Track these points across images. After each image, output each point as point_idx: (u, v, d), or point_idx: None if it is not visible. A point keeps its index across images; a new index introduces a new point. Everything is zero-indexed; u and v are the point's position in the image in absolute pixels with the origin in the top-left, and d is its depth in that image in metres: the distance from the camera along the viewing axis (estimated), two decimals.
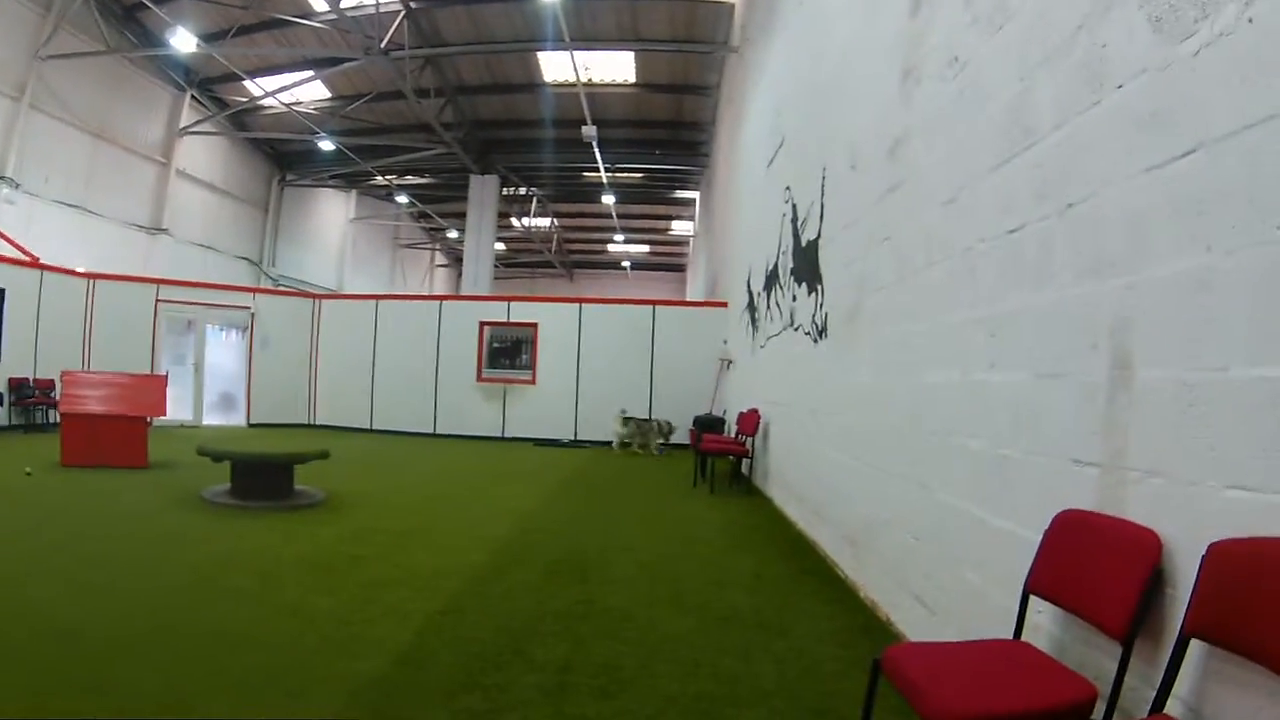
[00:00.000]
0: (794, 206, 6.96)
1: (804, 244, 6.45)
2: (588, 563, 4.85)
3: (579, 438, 13.16)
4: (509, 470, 9.44)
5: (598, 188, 22.32)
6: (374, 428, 14.08)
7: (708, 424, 11.91)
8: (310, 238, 23.79)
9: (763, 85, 9.41)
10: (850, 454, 4.90)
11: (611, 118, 17.44)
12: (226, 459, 6.50)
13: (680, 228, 28.85)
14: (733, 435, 9.41)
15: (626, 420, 12.47)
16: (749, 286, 9.94)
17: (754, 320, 9.31)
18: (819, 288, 5.90)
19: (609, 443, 12.82)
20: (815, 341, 5.91)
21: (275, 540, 5.12)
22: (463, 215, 20.78)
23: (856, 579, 4.63)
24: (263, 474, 6.60)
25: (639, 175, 22.37)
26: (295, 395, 14.39)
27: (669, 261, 33.87)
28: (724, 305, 12.98)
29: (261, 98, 16.98)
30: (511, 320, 13.58)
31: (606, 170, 19.37)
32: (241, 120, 19.25)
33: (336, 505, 6.51)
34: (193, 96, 17.51)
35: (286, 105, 17.39)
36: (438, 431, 13.75)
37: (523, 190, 23.24)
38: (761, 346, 8.55)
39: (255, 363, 14.04)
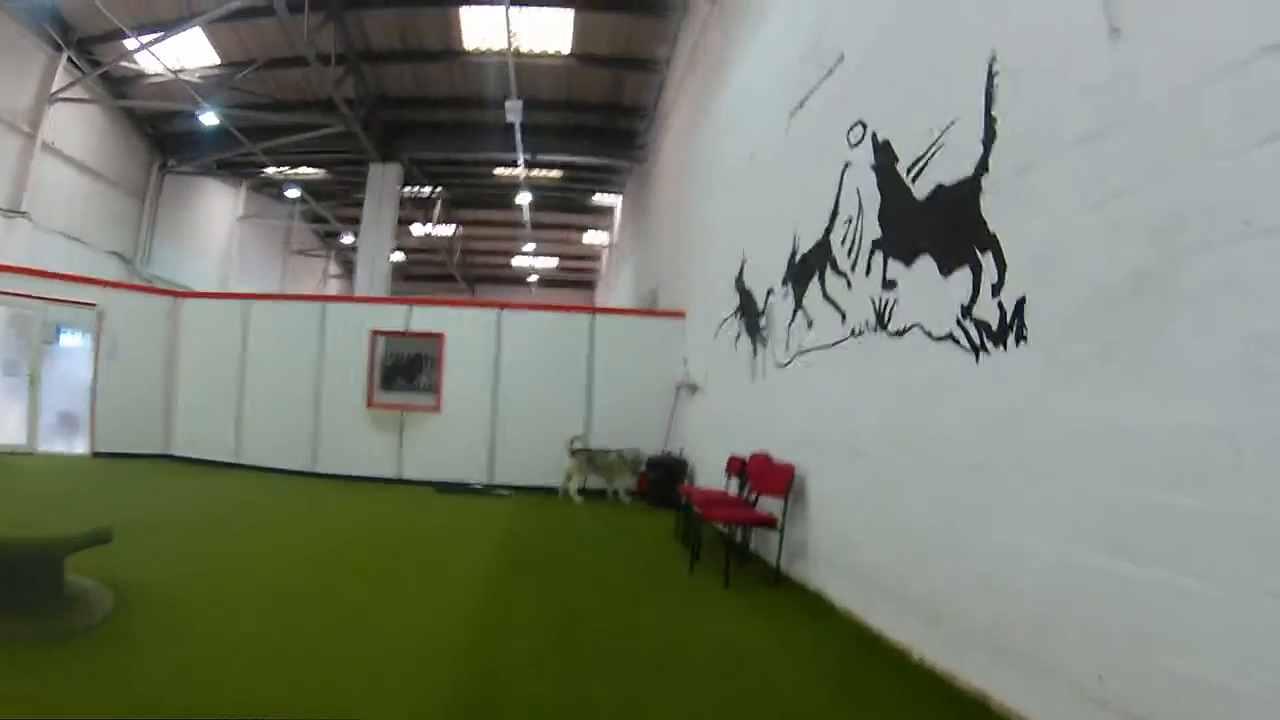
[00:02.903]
0: (880, 146, 4.61)
1: (924, 196, 4.08)
2: None
3: (495, 481, 10.29)
4: (414, 538, 6.53)
5: (509, 189, 19.80)
6: (241, 463, 10.80)
7: (668, 468, 9.37)
8: (192, 235, 20.37)
9: (773, 16, 7.09)
10: (1165, 565, 2.49)
11: (539, 97, 14.83)
12: None
13: (593, 239, 26.43)
14: (731, 488, 6.91)
15: (579, 451, 9.77)
16: (740, 286, 7.54)
17: (757, 330, 6.90)
18: (979, 258, 3.53)
19: (533, 488, 10.04)
20: (979, 351, 3.51)
21: None
22: (359, 221, 17.96)
23: None
24: (12, 570, 3.70)
25: (557, 174, 19.94)
26: (149, 418, 11.06)
27: (578, 277, 31.35)
28: (681, 315, 10.54)
29: (139, 50, 13.75)
30: (411, 330, 10.62)
31: (526, 162, 16.69)
32: (121, 89, 15.85)
33: (126, 626, 3.63)
34: (70, 59, 14.15)
35: (172, 71, 14.29)
36: (318, 470, 10.54)
37: (426, 191, 20.47)
38: (783, 364, 6.12)
39: (102, 375, 10.68)
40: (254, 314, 11.10)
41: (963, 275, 3.66)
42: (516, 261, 29.63)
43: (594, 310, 10.99)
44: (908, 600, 3.94)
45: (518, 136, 14.73)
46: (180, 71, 14.49)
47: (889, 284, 4.43)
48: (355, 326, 10.65)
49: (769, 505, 5.73)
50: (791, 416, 5.81)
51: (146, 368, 11.10)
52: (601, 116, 16.12)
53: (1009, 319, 3.30)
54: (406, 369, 10.42)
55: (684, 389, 9.96)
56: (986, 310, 3.46)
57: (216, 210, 21.71)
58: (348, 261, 27.55)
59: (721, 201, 8.69)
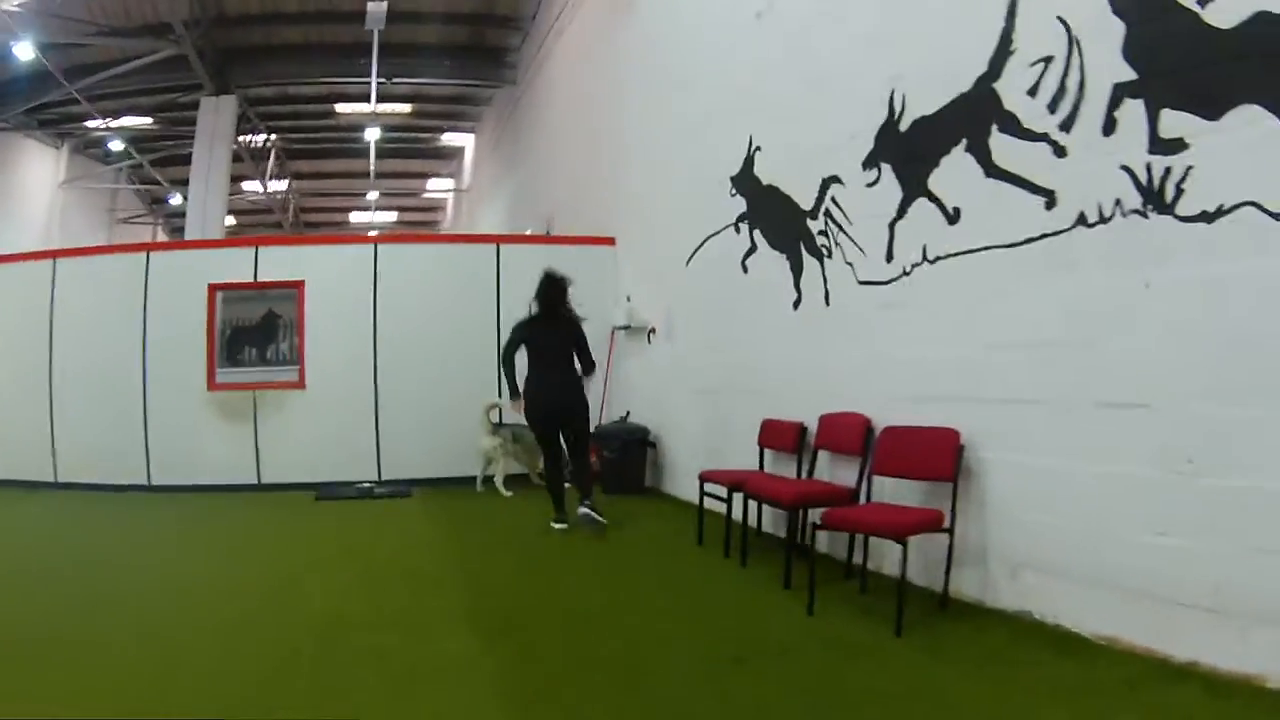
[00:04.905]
0: None
1: (1233, 25, 2.61)
2: None
3: (386, 475, 7.73)
4: (302, 626, 3.67)
5: (351, 133, 18.27)
6: (62, 481, 7.73)
7: (627, 442, 7.24)
8: (9, 205, 17.47)
9: None
10: None
11: (401, 8, 12.32)
12: None
13: (436, 187, 24.99)
14: (773, 466, 4.97)
15: (499, 427, 7.35)
16: (748, 183, 5.53)
17: (803, 238, 4.86)
18: None
19: (439, 481, 7.60)
20: None
21: None
22: (188, 182, 15.61)
23: None
24: None
25: (407, 109, 18.07)
26: None
27: (420, 232, 28.75)
28: (609, 242, 8.36)
29: None
30: (261, 279, 7.69)
31: (379, 90, 14.36)
32: None
33: None
34: None
35: None
36: (154, 482, 7.60)
37: (260, 140, 18.61)
38: (882, 280, 4.16)
39: None
40: (63, 280, 7.90)
41: None
42: (355, 218, 27.14)
43: (500, 240, 8.49)
44: None
45: (374, 53, 12.54)
46: None
47: (1167, 144, 2.75)
48: (189, 282, 7.66)
49: (889, 491, 3.89)
50: (913, 356, 3.94)
51: None
52: (470, 30, 13.92)
53: None
54: (258, 333, 7.56)
55: (627, 335, 7.87)
56: None
57: (36, 175, 18.63)
58: (178, 229, 25.00)
59: (695, 89, 6.50)
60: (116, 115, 16.82)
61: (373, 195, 23.33)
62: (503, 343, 5.84)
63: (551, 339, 5.55)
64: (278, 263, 7.76)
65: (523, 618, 3.65)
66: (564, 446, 5.70)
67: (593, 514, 5.34)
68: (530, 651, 3.20)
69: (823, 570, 4.04)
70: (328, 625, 3.58)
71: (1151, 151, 2.81)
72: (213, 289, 7.54)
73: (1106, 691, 2.62)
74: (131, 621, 3.66)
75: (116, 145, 18.53)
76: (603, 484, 7.22)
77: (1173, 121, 2.75)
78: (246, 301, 7.66)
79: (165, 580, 4.46)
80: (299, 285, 7.61)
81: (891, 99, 4.05)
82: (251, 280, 7.64)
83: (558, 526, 5.49)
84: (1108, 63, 2.96)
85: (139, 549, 5.40)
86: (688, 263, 6.52)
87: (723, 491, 4.68)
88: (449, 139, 21.23)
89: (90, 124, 17.34)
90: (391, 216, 27.97)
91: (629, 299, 7.81)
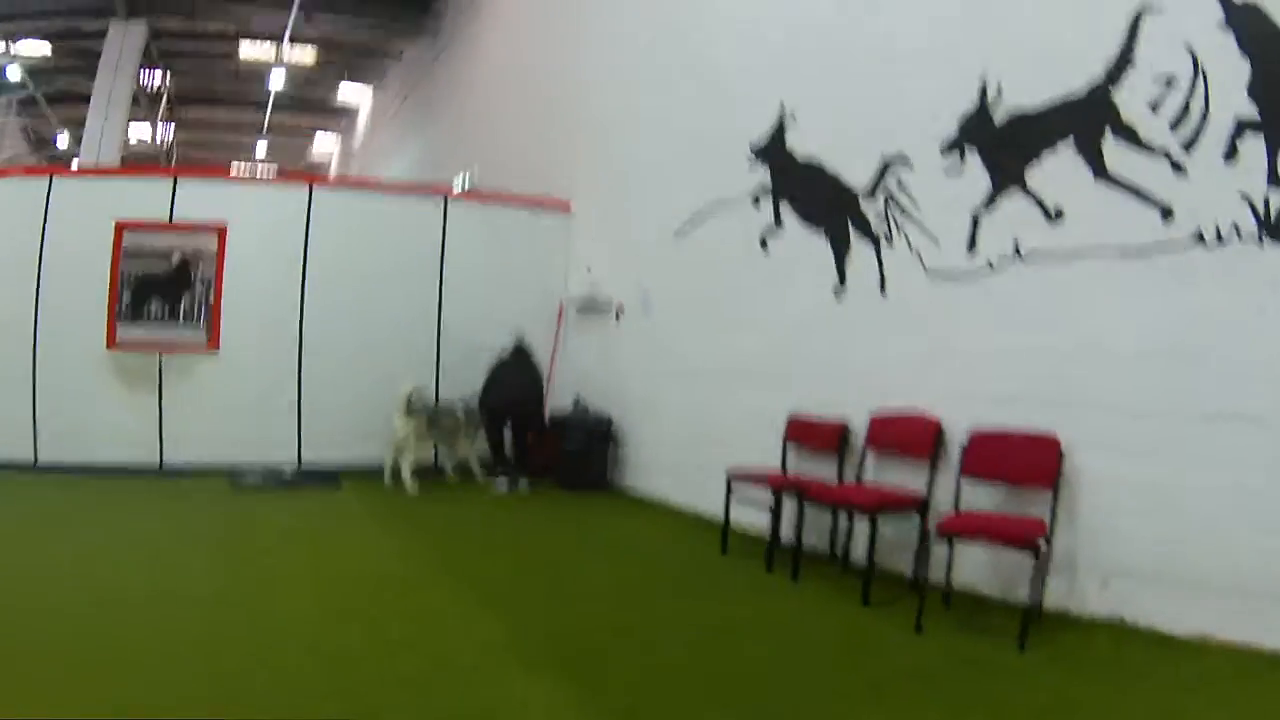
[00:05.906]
0: (1238, 7, 3.07)
1: None
2: None
3: (310, 458, 6.75)
4: (278, 684, 2.66)
5: (248, 80, 18.01)
6: None
7: (590, 432, 6.71)
8: None
9: None
10: None
11: None
12: None
13: (322, 146, 24.70)
14: (802, 466, 4.72)
15: (414, 410, 6.36)
16: (777, 155, 5.18)
17: (854, 220, 4.57)
18: None
19: (366, 471, 6.56)
20: None
21: None
22: (81, 122, 14.84)
23: None
24: None
25: (311, 57, 17.68)
26: None
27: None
28: (564, 208, 7.74)
29: None
30: (176, 221, 6.42)
31: (295, 28, 14.21)
32: None
33: None
34: None
35: None
36: (40, 461, 6.21)
37: (156, 79, 17.82)
38: (960, 271, 3.97)
39: None
40: None
41: None
42: (235, 173, 25.88)
43: (447, 193, 7.59)
44: None
45: None
46: None
47: None
48: (94, 219, 6.31)
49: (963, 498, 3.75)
50: (995, 354, 3.80)
51: None
52: None
53: None
54: (167, 284, 6.35)
55: (580, 311, 7.32)
56: None
57: None
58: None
59: (701, 47, 6.03)
60: (15, 38, 15.27)
61: (261, 146, 22.76)
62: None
63: (515, 368, 6.64)
64: (197, 201, 6.54)
65: (585, 657, 3.07)
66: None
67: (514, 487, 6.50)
68: (619, 696, 2.69)
69: (881, 582, 3.85)
70: (332, 670, 2.77)
71: (1270, 183, 2.91)
72: (120, 227, 6.25)
73: (1245, 681, 2.76)
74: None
75: (15, 73, 16.68)
76: (560, 480, 6.73)
77: None
78: (154, 254, 6.40)
79: (80, 607, 3.35)
80: (221, 230, 6.46)
81: (984, 87, 3.87)
82: (167, 221, 6.39)
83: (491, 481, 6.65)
84: (1231, 95, 3.02)
85: (35, 559, 4.13)
86: (675, 234, 6.12)
87: (748, 493, 4.44)
88: (345, 96, 20.63)
89: None
90: (271, 168, 26.63)
91: (589, 270, 7.27)
